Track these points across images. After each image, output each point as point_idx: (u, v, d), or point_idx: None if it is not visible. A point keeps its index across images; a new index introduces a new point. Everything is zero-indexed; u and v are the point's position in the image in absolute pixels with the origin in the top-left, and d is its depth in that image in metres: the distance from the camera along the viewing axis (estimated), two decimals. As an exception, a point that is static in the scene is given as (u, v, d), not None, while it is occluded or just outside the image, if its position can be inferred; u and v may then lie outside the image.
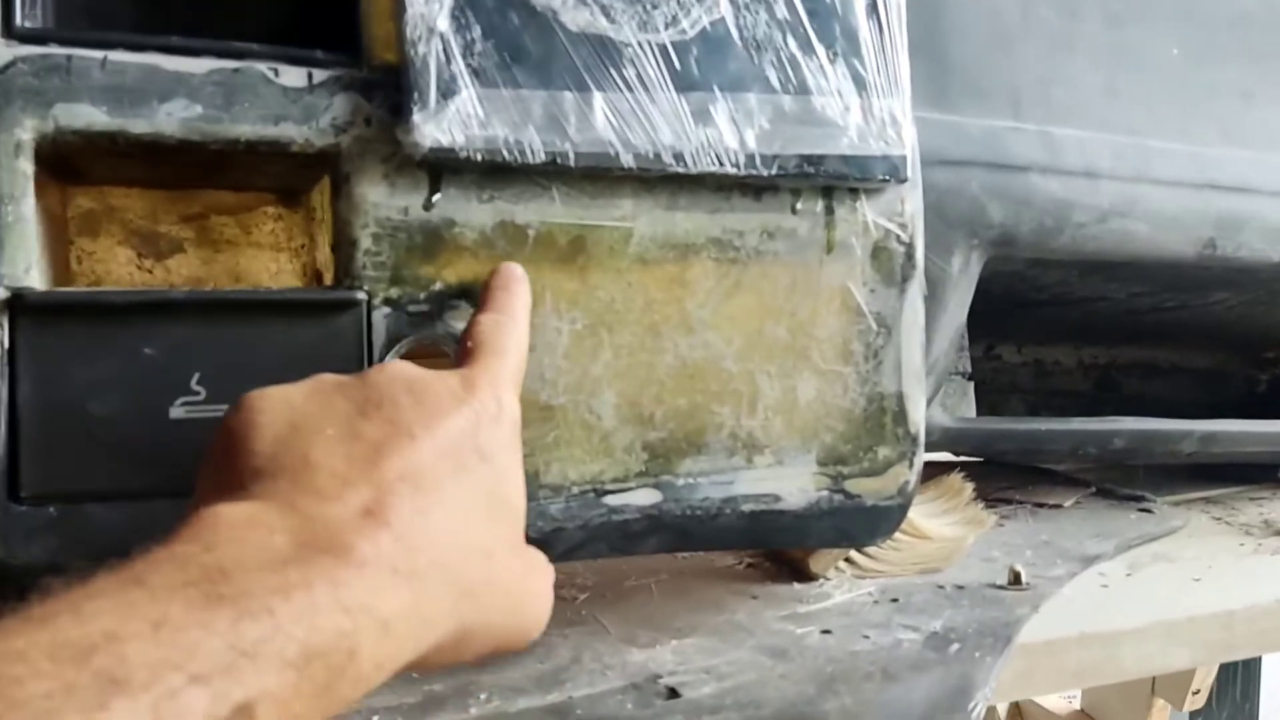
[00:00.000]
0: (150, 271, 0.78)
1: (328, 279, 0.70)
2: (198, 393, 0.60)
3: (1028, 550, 0.91)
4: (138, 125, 0.60)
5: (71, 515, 0.58)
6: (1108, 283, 1.02)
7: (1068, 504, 1.04)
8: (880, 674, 0.67)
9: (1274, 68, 1.00)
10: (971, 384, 1.01)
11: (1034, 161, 0.86)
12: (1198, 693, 1.33)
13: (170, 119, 0.60)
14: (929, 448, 0.94)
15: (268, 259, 0.80)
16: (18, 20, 0.58)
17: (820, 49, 0.73)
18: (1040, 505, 1.04)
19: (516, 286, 0.56)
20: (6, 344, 0.57)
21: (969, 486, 0.94)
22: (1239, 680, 1.76)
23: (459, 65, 0.64)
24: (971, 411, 1.01)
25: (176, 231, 0.78)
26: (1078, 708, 1.59)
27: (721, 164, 0.69)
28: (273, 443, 0.41)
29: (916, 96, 0.80)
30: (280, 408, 0.44)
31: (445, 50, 0.64)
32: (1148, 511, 1.04)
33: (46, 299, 0.58)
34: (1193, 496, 1.12)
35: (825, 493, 0.75)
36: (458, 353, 0.50)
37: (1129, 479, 1.14)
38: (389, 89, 0.64)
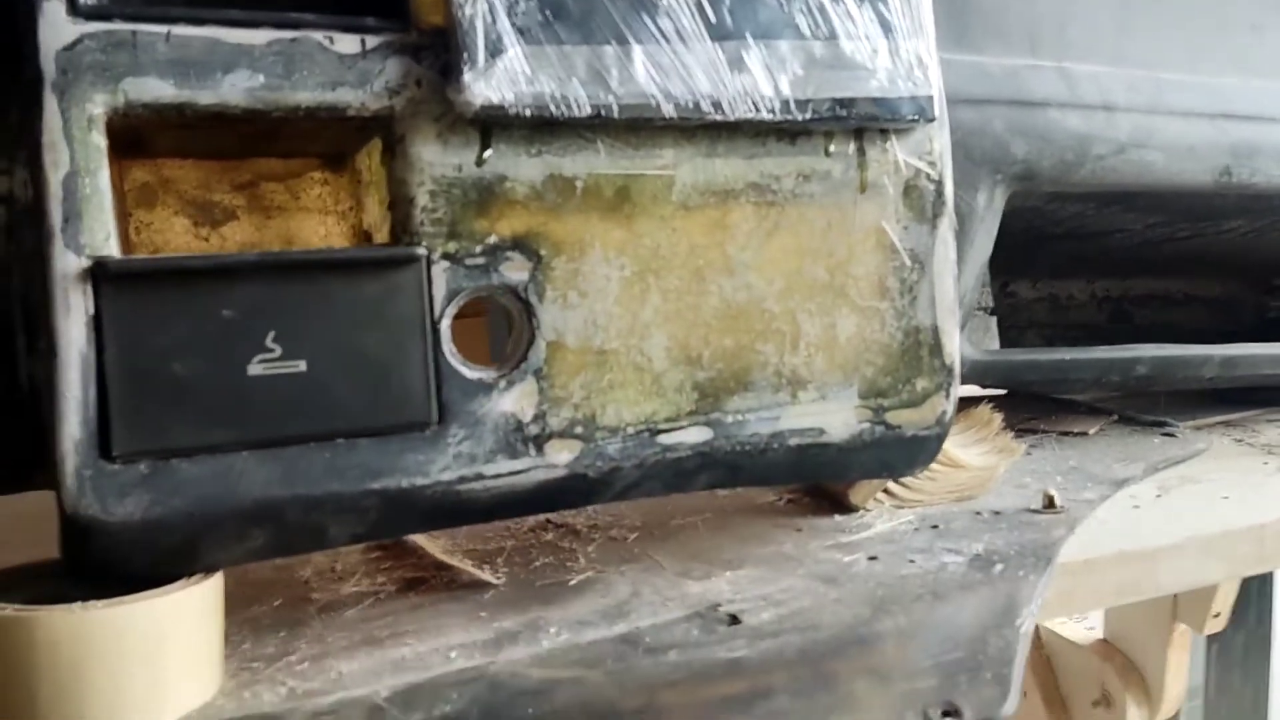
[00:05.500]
0: (206, 240, 0.81)
1: (378, 239, 0.73)
2: (273, 350, 0.63)
3: (1058, 476, 0.94)
4: (204, 96, 0.62)
5: (160, 471, 0.61)
6: (1125, 213, 1.05)
7: (1092, 431, 1.07)
8: (930, 595, 0.71)
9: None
10: (994, 319, 1.04)
11: (1053, 97, 0.88)
12: (1218, 615, 1.37)
13: (235, 89, 0.63)
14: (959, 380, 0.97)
15: (316, 222, 0.83)
16: (82, -2, 0.60)
17: (846, -6, 0.75)
18: (1066, 434, 1.07)
19: None
20: (92, 310, 0.60)
21: (998, 417, 0.97)
22: (1255, 605, 1.81)
23: (504, 24, 0.66)
24: (995, 345, 1.03)
25: (229, 200, 0.81)
26: (1100, 636, 1.63)
27: (758, 110, 0.72)
28: None
29: (939, 38, 0.82)
30: None
31: (490, 10, 0.66)
32: (1171, 436, 1.07)
33: (128, 266, 0.60)
34: (1213, 421, 1.15)
35: (867, 425, 0.78)
36: None
37: (1151, 407, 1.17)
38: (438, 50, 0.66)
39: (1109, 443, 1.04)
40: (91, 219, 0.60)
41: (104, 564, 0.61)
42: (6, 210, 0.65)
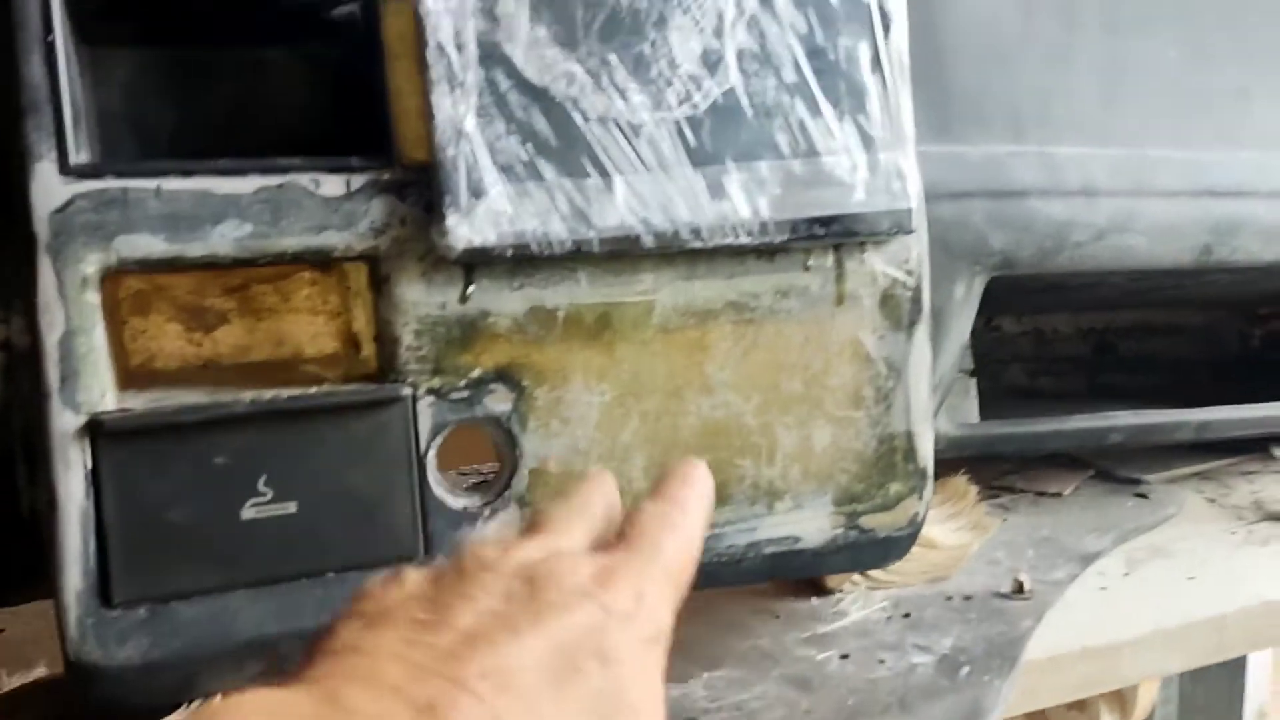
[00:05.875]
0: (199, 345, 0.82)
1: (365, 347, 0.75)
2: (265, 493, 0.65)
3: (1029, 550, 0.97)
4: (194, 249, 0.64)
5: (159, 614, 0.63)
6: (1110, 275, 1.06)
7: (1067, 492, 1.10)
8: (898, 705, 0.74)
9: (1271, 60, 1.02)
10: (974, 379, 1.06)
11: (1034, 185, 0.89)
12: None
13: (224, 240, 0.65)
14: (935, 456, 0.99)
15: (306, 323, 0.84)
16: (72, 157, 0.62)
17: (827, 108, 0.76)
18: (1041, 494, 1.09)
19: (698, 483, 0.50)
20: (89, 464, 0.62)
21: (973, 490, 1.00)
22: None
23: (487, 164, 0.67)
24: (974, 405, 1.05)
25: (220, 304, 0.82)
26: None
27: (737, 235, 0.73)
28: (360, 627, 0.37)
29: (919, 128, 0.83)
30: (392, 593, 0.40)
31: (473, 151, 0.67)
32: (1144, 497, 1.09)
33: (123, 423, 0.63)
34: (1187, 472, 1.17)
35: (841, 530, 0.80)
36: (612, 537, 0.46)
37: (1128, 454, 1.19)
38: (421, 187, 0.68)
39: (1083, 506, 1.07)
40: (88, 377, 0.62)
41: (108, 702, 0.64)
42: (6, 355, 0.67)
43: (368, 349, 0.72)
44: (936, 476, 0.97)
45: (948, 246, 0.87)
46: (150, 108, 0.70)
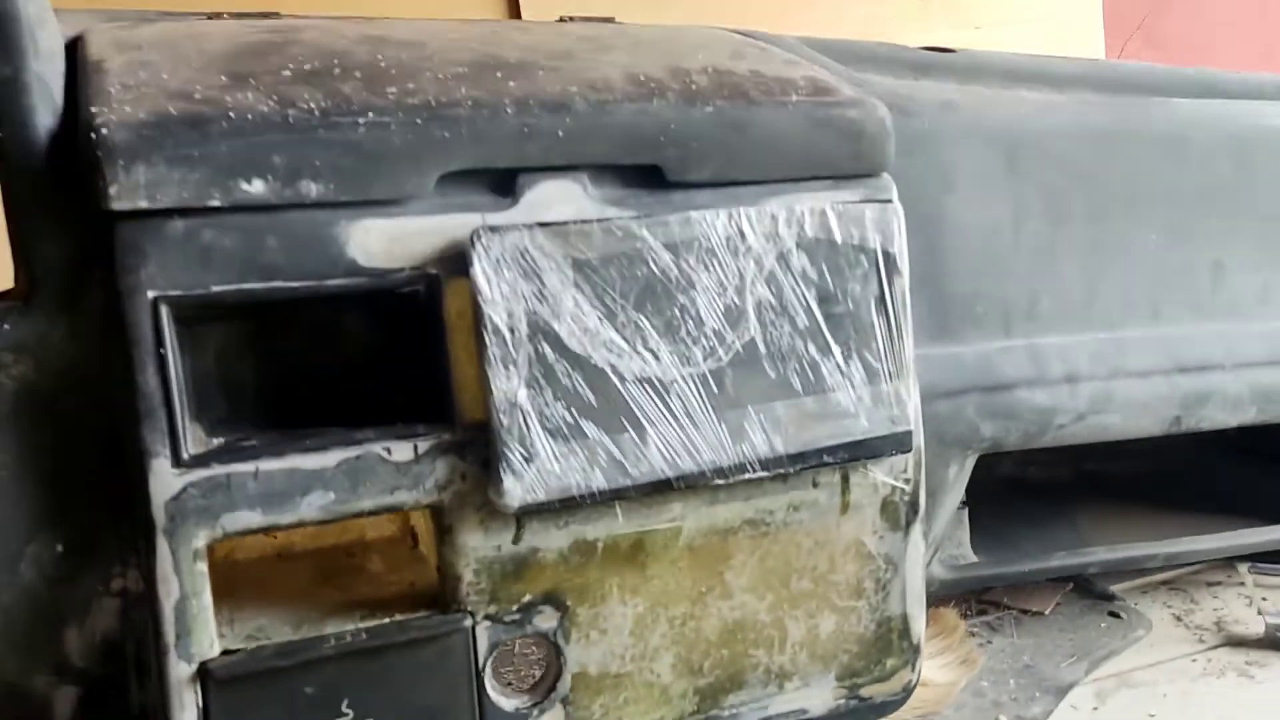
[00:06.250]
0: (275, 538, 0.93)
1: (423, 543, 0.86)
2: (346, 714, 0.77)
3: (1011, 680, 1.08)
4: (286, 518, 0.74)
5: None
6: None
7: (1048, 611, 1.21)
8: None
9: (1245, 231, 1.10)
10: (966, 509, 1.16)
11: (1021, 377, 0.99)
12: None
13: (311, 508, 0.74)
14: (930, 598, 1.10)
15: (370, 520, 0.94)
16: (185, 451, 0.71)
17: (836, 349, 0.85)
18: (1024, 611, 1.20)
19: None
20: (200, 704, 0.73)
21: (963, 625, 1.11)
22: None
23: (537, 430, 0.77)
24: (966, 534, 1.15)
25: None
26: None
27: (756, 470, 0.83)
28: None
29: (920, 332, 0.93)
30: None
31: (525, 420, 0.76)
32: (1116, 616, 1.20)
33: (228, 669, 0.73)
34: (1156, 580, 1.28)
35: (843, 700, 0.92)
36: None
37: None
38: (479, 445, 0.77)
39: (1060, 628, 1.18)
40: (199, 632, 0.73)
41: None
42: (123, 600, 0.77)
43: (430, 574, 0.83)
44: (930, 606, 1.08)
45: (942, 438, 0.96)
46: (238, 368, 0.79)
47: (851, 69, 1.13)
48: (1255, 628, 1.16)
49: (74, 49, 0.82)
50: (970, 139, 0.98)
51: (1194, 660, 1.12)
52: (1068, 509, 1.31)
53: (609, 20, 1.12)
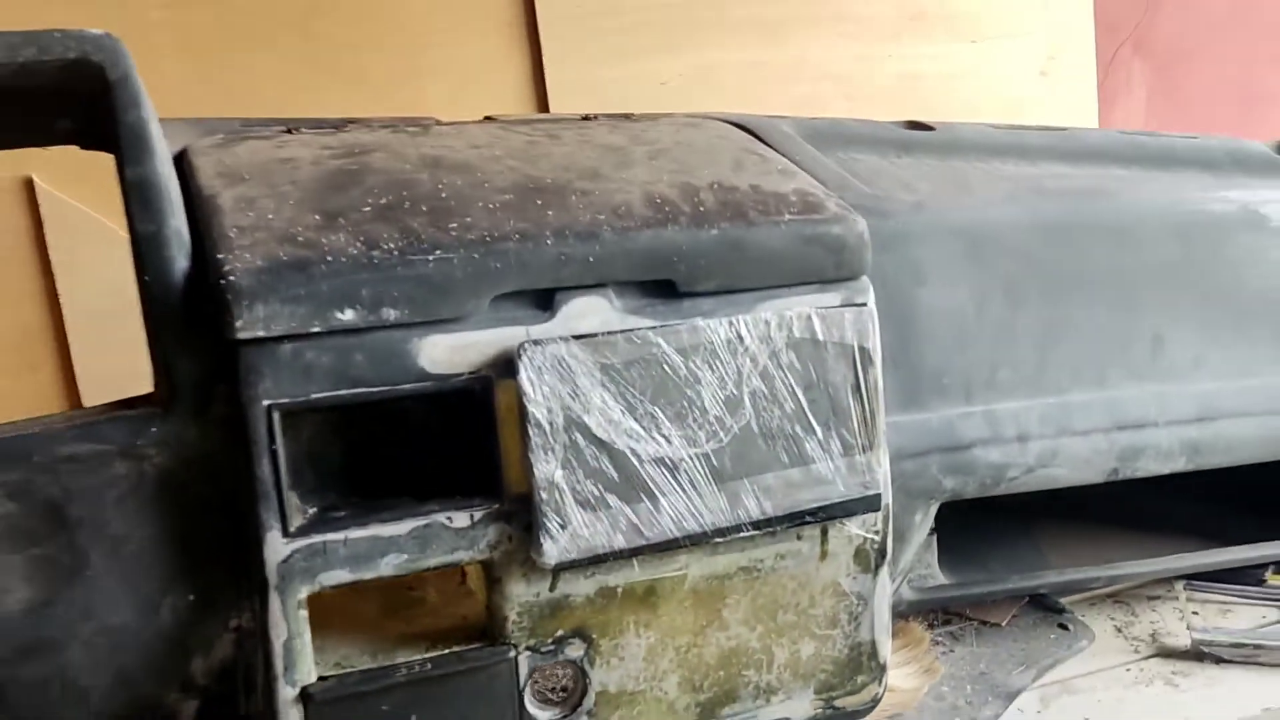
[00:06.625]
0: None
1: (471, 579, 1.05)
2: (418, 729, 0.96)
3: (968, 685, 1.27)
4: (368, 575, 0.92)
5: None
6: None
7: (1004, 623, 1.39)
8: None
9: (1183, 307, 1.26)
10: (934, 536, 1.33)
11: (979, 438, 1.16)
12: None
13: (388, 566, 0.93)
14: (899, 616, 1.29)
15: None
16: (291, 525, 0.90)
17: (818, 428, 1.03)
18: (984, 623, 1.39)
19: None
20: (303, 720, 0.92)
21: (927, 637, 1.29)
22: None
23: (570, 504, 0.95)
24: (934, 558, 1.32)
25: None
26: None
27: (749, 530, 1.01)
28: None
29: (892, 404, 1.10)
30: None
31: (560, 495, 0.94)
32: (1064, 628, 1.38)
33: (325, 693, 0.92)
34: (1104, 593, 1.46)
35: (820, 710, 1.11)
36: None
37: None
38: (523, 514, 0.95)
39: (1015, 638, 1.36)
40: (301, 664, 0.92)
41: None
42: (238, 633, 0.96)
43: (479, 608, 1.01)
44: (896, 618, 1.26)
45: (909, 491, 1.14)
46: (327, 450, 0.97)
47: (838, 150, 1.29)
48: (1184, 640, 1.34)
49: (179, 166, 0.99)
50: (938, 235, 1.14)
51: (1128, 669, 1.31)
52: (1032, 526, 1.49)
53: (627, 117, 1.28)
